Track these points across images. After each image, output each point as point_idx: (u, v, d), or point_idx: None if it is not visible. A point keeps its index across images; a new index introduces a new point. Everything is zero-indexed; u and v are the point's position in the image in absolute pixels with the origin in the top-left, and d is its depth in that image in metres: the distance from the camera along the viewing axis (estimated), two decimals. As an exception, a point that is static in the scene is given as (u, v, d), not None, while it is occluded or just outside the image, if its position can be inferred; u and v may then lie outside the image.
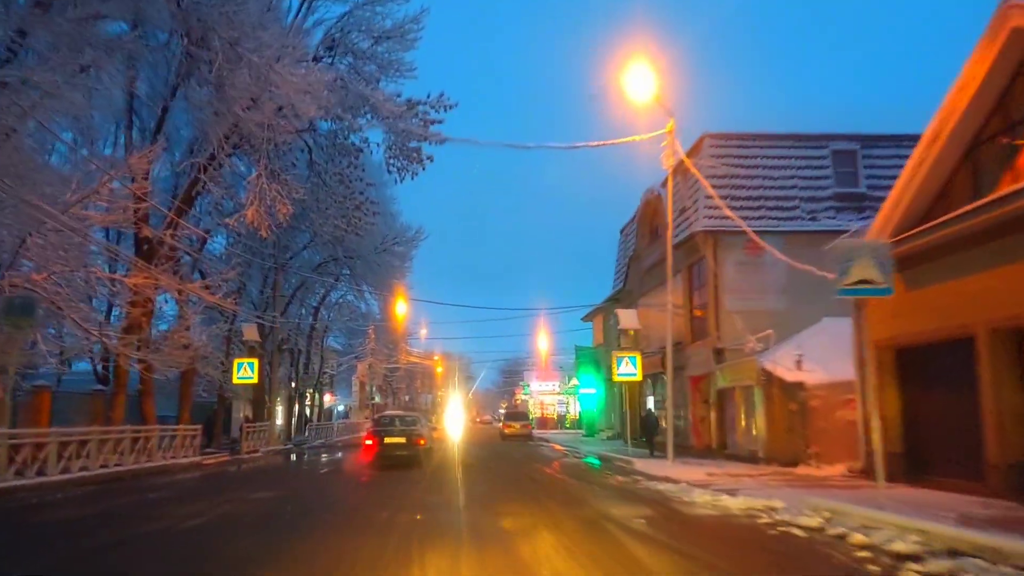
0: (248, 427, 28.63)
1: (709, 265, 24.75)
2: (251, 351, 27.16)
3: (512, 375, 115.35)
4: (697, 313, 26.74)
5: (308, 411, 55.98)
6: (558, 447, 33.97)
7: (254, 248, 33.23)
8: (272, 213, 22.15)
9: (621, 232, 38.89)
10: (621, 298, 38.03)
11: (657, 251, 30.95)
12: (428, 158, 25.61)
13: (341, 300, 51.97)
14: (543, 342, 69.55)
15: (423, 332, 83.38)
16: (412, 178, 25.62)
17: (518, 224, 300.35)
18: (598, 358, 44.82)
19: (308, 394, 56.12)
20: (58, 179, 18.23)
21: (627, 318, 24.81)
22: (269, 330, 36.47)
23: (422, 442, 21.38)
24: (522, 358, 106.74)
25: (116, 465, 17.31)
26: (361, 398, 64.65)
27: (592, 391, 45.64)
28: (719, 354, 24.02)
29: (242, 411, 42.49)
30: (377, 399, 66.56)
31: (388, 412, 30.36)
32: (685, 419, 27.62)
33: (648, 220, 32.33)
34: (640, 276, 33.92)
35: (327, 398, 69.66)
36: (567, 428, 67.45)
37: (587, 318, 47.76)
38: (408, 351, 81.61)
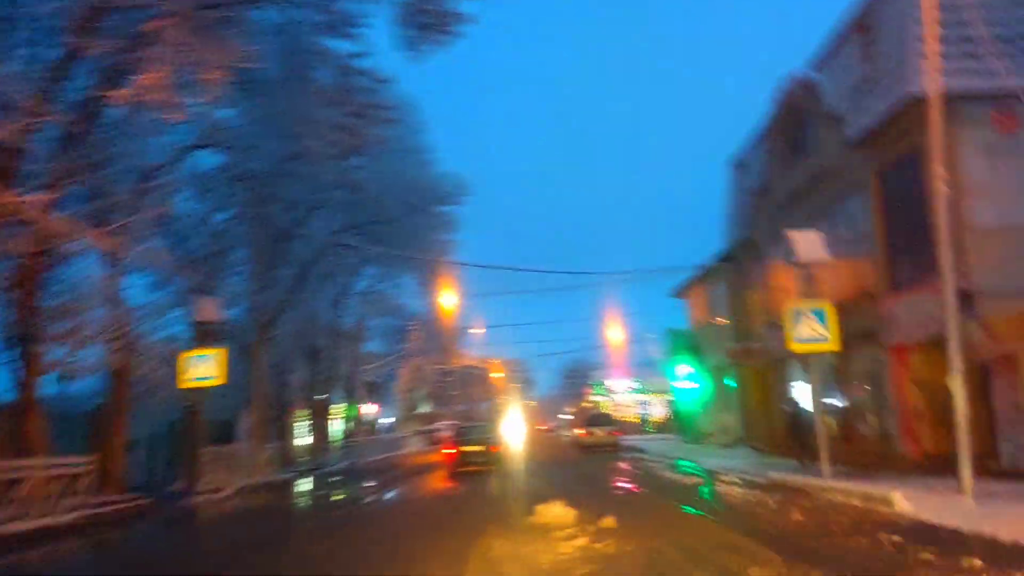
0: (211, 453, 19.40)
1: (933, 158, 14.73)
2: (204, 337, 17.85)
3: (576, 376, 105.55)
4: (900, 246, 16.71)
5: (345, 425, 47.12)
6: (668, 462, 24.08)
7: (242, 199, 24.36)
8: (193, 86, 13.03)
9: (733, 165, 28.91)
10: (738, 255, 28.06)
11: (804, 170, 21.04)
12: (457, 17, 16.25)
13: (371, 290, 42.92)
14: (616, 331, 59.46)
15: (478, 330, 74.09)
16: (435, 49, 16.30)
17: (582, 187, 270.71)
18: (699, 341, 34.83)
19: (340, 406, 47.28)
20: None
21: (807, 245, 14.85)
22: (265, 316, 27.55)
23: (495, 449, 24.27)
24: (587, 358, 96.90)
25: None
26: (404, 407, 55.64)
27: (692, 385, 35.65)
28: (968, 302, 14.02)
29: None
30: (424, 408, 57.45)
31: (466, 423, 32.85)
32: (883, 415, 17.69)
33: (787, 127, 22.38)
34: (771, 216, 23.96)
35: (370, 409, 60.84)
36: (651, 432, 57.39)
37: (680, 293, 37.78)
38: (461, 353, 72.51)
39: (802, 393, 22.35)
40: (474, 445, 23.23)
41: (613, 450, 32.40)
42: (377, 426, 63.59)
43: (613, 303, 58.76)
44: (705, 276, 32.71)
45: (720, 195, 30.14)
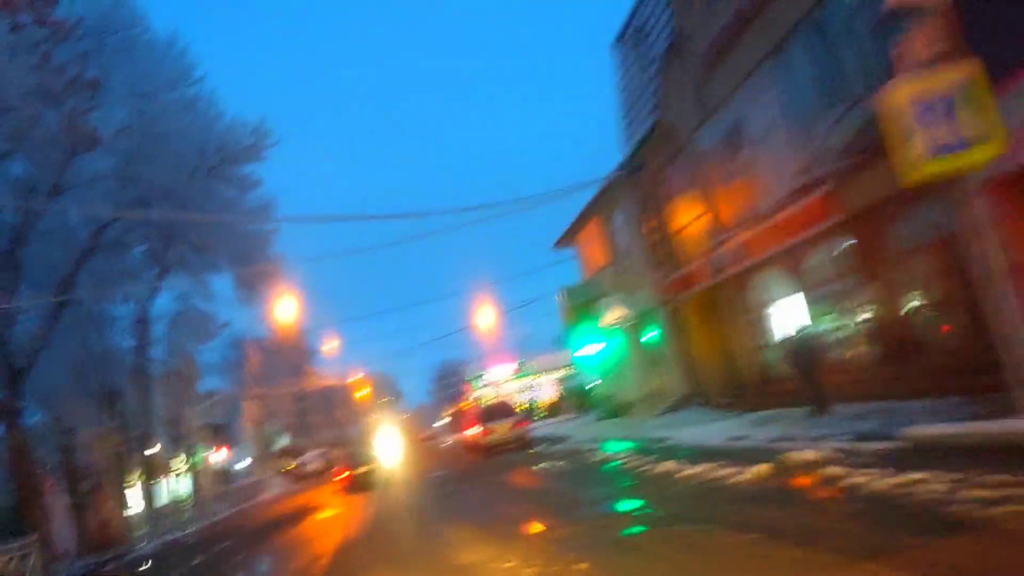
0: None
1: None
2: None
3: (449, 376, 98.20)
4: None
5: (180, 480, 37.17)
6: (636, 449, 16.52)
7: None
8: None
9: (622, 40, 22.12)
10: (646, 158, 21.32)
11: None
12: None
13: (181, 310, 33.31)
14: (488, 313, 51.97)
15: (332, 344, 64.53)
16: None
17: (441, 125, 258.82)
18: (602, 293, 28.06)
19: (176, 461, 37.32)
20: None
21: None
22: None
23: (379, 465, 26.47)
24: (458, 355, 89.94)
25: None
26: (259, 446, 45.97)
27: (598, 347, 28.85)
28: None
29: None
30: (283, 442, 47.90)
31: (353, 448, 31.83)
32: (972, 307, 11.20)
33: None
34: (697, 80, 17.28)
35: (219, 454, 50.57)
36: (543, 418, 50.59)
37: (565, 242, 30.92)
38: (316, 373, 63.05)
39: (792, 313, 15.80)
40: (364, 466, 25.05)
41: (524, 445, 25.08)
42: (233, 473, 53.22)
43: (483, 281, 51.56)
44: (599, 205, 25.97)
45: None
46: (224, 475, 51.30)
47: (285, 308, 42.44)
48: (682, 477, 9.91)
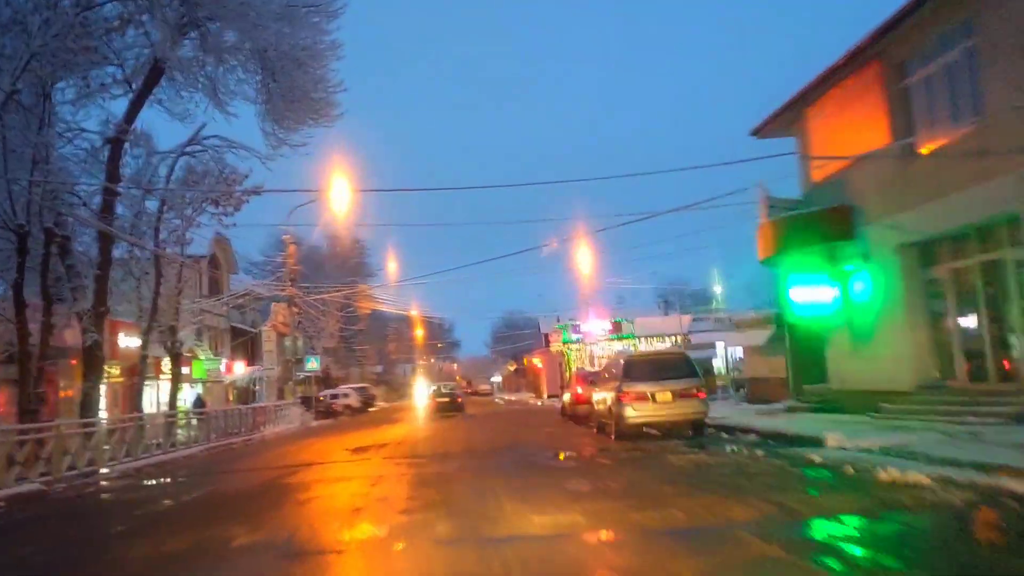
0: None
1: None
2: None
3: (512, 329, 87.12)
4: None
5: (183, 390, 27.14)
6: None
7: None
8: None
9: None
10: None
11: None
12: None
13: (196, 151, 23.06)
14: (586, 259, 40.57)
15: (392, 264, 54.27)
16: None
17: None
18: (854, 204, 16.38)
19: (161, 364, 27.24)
20: None
21: None
22: None
23: (460, 400, 34.89)
24: (526, 309, 79.02)
25: None
26: (283, 362, 35.69)
27: (827, 293, 17.29)
28: None
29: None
30: (314, 366, 37.49)
31: (440, 384, 42.67)
32: None
33: None
34: None
35: (238, 368, 40.64)
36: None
37: (775, 125, 19.15)
38: (371, 292, 52.83)
39: None
40: (445, 398, 34.48)
41: (688, 430, 14.04)
42: (246, 392, 43.22)
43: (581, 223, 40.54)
44: (888, 39, 14.28)
45: None
46: (239, 393, 41.54)
47: (340, 191, 31.28)
48: None
